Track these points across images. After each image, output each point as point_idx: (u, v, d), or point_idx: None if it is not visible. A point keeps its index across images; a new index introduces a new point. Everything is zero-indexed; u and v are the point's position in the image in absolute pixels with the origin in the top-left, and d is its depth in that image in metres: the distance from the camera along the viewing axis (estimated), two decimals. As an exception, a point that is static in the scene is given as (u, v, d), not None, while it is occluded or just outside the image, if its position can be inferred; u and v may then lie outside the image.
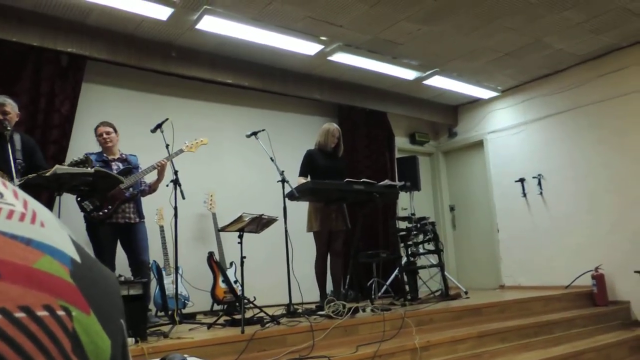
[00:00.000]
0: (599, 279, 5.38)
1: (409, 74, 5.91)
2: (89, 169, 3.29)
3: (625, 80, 5.55)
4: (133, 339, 2.91)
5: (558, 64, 5.95)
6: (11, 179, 3.09)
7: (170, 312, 3.96)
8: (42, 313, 0.30)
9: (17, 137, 3.47)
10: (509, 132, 6.73)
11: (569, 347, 4.10)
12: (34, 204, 0.36)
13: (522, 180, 6.46)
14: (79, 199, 3.76)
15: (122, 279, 3.17)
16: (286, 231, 3.84)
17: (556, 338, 4.25)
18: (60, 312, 0.31)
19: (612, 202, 5.58)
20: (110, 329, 0.35)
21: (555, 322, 4.46)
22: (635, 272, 4.92)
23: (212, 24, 4.49)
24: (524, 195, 6.44)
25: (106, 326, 0.35)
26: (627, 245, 5.38)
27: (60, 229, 0.36)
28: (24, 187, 3.13)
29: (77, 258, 0.35)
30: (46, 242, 0.33)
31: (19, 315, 0.29)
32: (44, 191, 3.98)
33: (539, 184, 6.28)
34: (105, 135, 3.94)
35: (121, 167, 3.96)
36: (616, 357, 4.30)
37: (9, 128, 3.38)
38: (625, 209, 5.46)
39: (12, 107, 3.49)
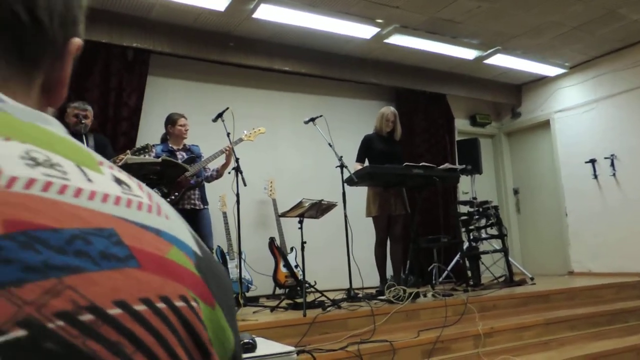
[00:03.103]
0: (679, 265, 5.04)
1: (469, 54, 5.72)
2: (157, 159, 3.45)
3: None
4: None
5: (633, 35, 5.55)
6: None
7: (234, 295, 4.09)
8: (179, 304, 0.31)
9: (91, 138, 3.71)
10: (578, 111, 6.38)
11: (645, 336, 3.88)
12: (157, 198, 0.37)
13: (593, 161, 6.12)
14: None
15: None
16: (345, 216, 3.86)
17: (631, 327, 4.04)
18: (194, 303, 0.32)
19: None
20: (232, 324, 0.36)
21: (630, 311, 4.23)
22: None
23: (268, 13, 4.53)
24: (595, 177, 6.10)
25: (229, 320, 0.36)
26: None
27: (181, 223, 0.37)
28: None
29: (199, 251, 0.36)
30: (172, 234, 0.34)
31: (161, 305, 0.30)
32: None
33: (612, 164, 5.93)
34: (187, 127, 4.15)
35: (185, 156, 4.12)
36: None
37: (85, 130, 3.63)
38: None
39: (90, 112, 3.76)
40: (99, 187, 0.33)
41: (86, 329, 0.27)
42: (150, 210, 0.35)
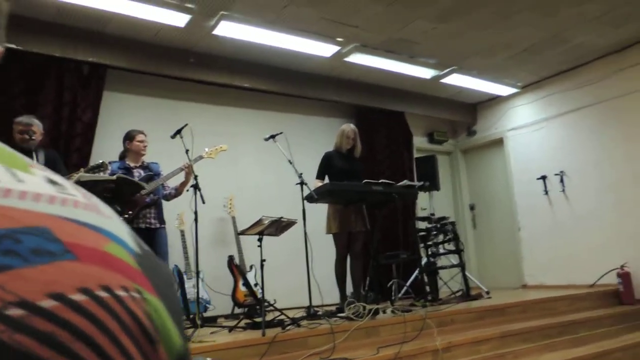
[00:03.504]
0: (625, 277, 5.27)
1: (426, 73, 5.88)
2: (112, 177, 3.37)
3: (648, 73, 5.43)
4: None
5: (578, 58, 5.85)
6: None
7: (191, 316, 4.01)
8: (121, 293, 0.30)
9: (41, 154, 3.58)
10: (530, 129, 6.64)
11: (594, 347, 4.02)
12: (94, 198, 0.36)
13: (543, 178, 6.36)
14: (101, 205, 3.84)
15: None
16: (305, 233, 3.86)
17: (581, 338, 4.18)
18: (135, 294, 0.31)
19: (637, 197, 5.45)
20: (176, 320, 0.35)
21: (580, 322, 4.38)
22: (663, 269, 4.81)
23: (229, 29, 4.53)
24: (546, 192, 6.34)
25: (173, 316, 0.34)
26: (653, 242, 5.26)
27: (120, 223, 0.36)
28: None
29: (138, 250, 0.35)
30: (110, 230, 0.33)
31: (101, 294, 0.29)
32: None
33: (562, 181, 6.18)
34: (145, 143, 4.09)
35: (143, 174, 4.03)
36: (644, 357, 4.21)
37: (34, 147, 3.51)
38: (651, 205, 5.34)
39: (38, 127, 3.63)
40: (31, 187, 0.32)
41: (14, 323, 0.26)
42: (87, 208, 0.34)
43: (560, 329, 4.19)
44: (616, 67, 5.69)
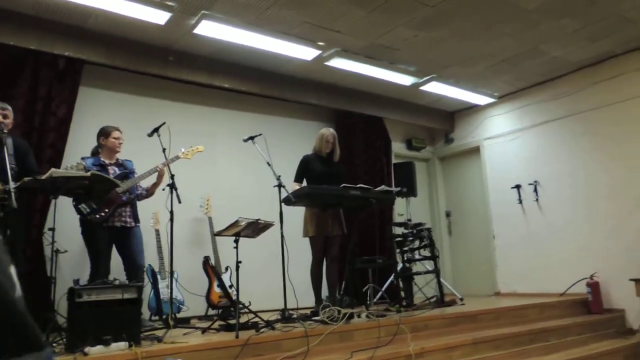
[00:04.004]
0: (594, 286, 5.39)
1: (406, 80, 5.93)
2: (86, 173, 3.30)
3: (621, 87, 5.58)
4: (126, 343, 2.90)
5: (554, 70, 5.98)
6: (6, 183, 3.08)
7: (164, 317, 3.95)
8: None
9: (9, 141, 3.47)
10: (506, 139, 6.75)
11: (563, 355, 4.10)
12: None
13: (518, 187, 6.47)
14: (74, 202, 3.76)
15: (117, 282, 3.16)
16: (282, 236, 3.84)
17: (551, 346, 4.25)
18: None
19: (609, 209, 5.59)
20: None
21: (551, 330, 4.46)
22: (631, 280, 4.92)
23: (210, 29, 4.49)
24: (520, 202, 6.45)
25: None
26: (622, 253, 5.39)
27: None
28: (19, 190, 3.13)
29: None
30: None
31: None
32: (40, 194, 3.97)
33: (535, 190, 6.29)
34: (121, 140, 4.02)
35: (118, 171, 3.97)
36: (611, 365, 4.31)
37: (5, 131, 3.39)
38: (621, 216, 5.47)
39: (10, 112, 3.52)
40: None
41: None
42: None
43: (531, 336, 4.25)
44: (590, 80, 5.83)
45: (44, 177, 3.15)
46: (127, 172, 3.99)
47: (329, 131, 4.62)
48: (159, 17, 4.26)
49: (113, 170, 3.96)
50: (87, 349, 2.76)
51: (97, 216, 3.76)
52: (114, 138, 3.99)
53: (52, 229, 3.33)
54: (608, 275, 5.44)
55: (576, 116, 5.97)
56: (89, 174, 3.28)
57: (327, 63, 5.32)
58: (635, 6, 4.50)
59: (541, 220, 6.24)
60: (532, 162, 6.40)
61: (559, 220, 6.05)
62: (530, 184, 6.34)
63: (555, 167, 6.15)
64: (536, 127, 6.39)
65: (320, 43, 4.94)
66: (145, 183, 4.08)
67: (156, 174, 3.95)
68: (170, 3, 4.10)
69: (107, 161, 3.98)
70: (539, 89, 6.37)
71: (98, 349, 2.80)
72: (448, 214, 7.57)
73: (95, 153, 4.06)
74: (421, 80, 5.97)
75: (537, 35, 4.97)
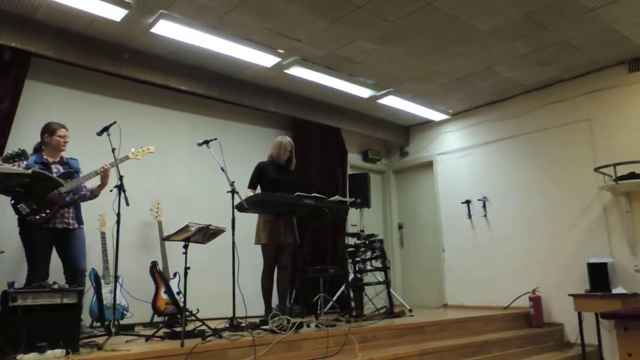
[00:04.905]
0: (535, 300, 5.58)
1: (364, 92, 6.00)
2: (27, 171, 3.13)
3: (564, 112, 5.85)
4: (63, 351, 2.76)
5: (505, 91, 6.21)
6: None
7: (106, 323, 3.79)
8: None
9: None
10: (457, 155, 6.94)
11: (505, 366, 4.21)
12: None
13: (468, 202, 6.65)
14: (12, 201, 3.57)
15: (56, 286, 3.01)
16: (233, 243, 3.78)
17: (494, 357, 4.36)
18: None
19: (548, 228, 5.83)
20: None
21: (494, 342, 4.57)
22: (569, 295, 5.13)
23: (167, 29, 4.40)
24: (469, 216, 6.62)
25: None
26: (561, 268, 5.63)
27: None
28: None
29: None
30: None
31: None
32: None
33: (484, 206, 6.48)
34: (66, 139, 3.84)
35: (62, 170, 3.80)
36: (549, 377, 4.45)
37: None
38: (559, 234, 5.72)
39: None
40: None
41: None
42: None
43: (475, 348, 4.34)
44: (537, 103, 6.10)
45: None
46: (71, 171, 3.81)
47: (286, 139, 4.61)
48: (115, 13, 4.14)
49: (57, 169, 3.78)
50: (19, 357, 2.61)
51: (37, 217, 3.58)
52: (59, 136, 3.82)
53: (-12, 228, 3.13)
54: (549, 290, 5.66)
55: (523, 137, 6.22)
56: (30, 171, 3.11)
57: (286, 71, 5.32)
58: (582, 34, 4.74)
59: (488, 235, 6.43)
60: (481, 178, 6.60)
61: (503, 235, 6.25)
62: (479, 200, 6.53)
63: (501, 185, 6.37)
64: (486, 145, 6.60)
65: (280, 50, 4.93)
66: (90, 184, 3.92)
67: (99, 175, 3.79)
68: (127, 0, 3.99)
69: (50, 159, 3.80)
70: (490, 108, 6.59)
71: (32, 357, 2.65)
72: (400, 226, 7.69)
73: (38, 150, 3.87)
74: (379, 94, 6.06)
75: (490, 56, 5.14)
